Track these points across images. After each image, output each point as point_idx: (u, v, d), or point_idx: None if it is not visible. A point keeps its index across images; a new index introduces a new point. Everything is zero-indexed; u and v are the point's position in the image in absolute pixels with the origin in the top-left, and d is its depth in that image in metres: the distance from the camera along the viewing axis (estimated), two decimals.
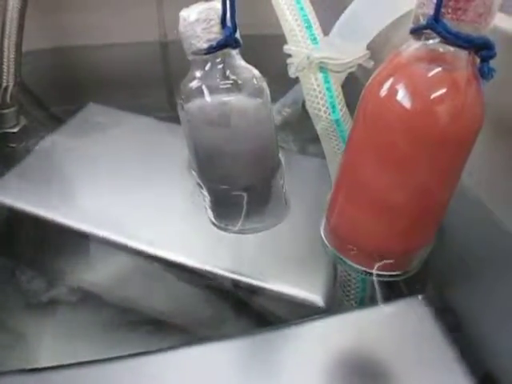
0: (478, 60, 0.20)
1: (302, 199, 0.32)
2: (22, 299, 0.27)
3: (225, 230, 0.30)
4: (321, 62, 0.32)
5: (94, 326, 0.25)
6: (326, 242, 0.27)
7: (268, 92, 0.27)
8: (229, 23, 0.24)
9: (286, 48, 0.33)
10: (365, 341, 0.24)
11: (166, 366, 0.23)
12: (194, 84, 0.26)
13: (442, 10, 0.19)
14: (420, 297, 0.26)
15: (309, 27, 0.33)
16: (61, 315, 0.26)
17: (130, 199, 0.34)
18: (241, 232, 0.30)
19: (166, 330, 0.25)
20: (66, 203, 0.34)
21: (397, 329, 0.25)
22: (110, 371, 0.22)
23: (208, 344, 0.24)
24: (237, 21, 0.24)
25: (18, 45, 0.40)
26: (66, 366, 0.22)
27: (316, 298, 0.27)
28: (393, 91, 0.20)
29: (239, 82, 0.26)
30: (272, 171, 0.29)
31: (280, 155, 0.30)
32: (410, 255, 0.25)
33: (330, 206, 0.26)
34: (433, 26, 0.19)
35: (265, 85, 0.27)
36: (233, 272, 0.28)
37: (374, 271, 0.25)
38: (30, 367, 0.22)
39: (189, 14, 0.24)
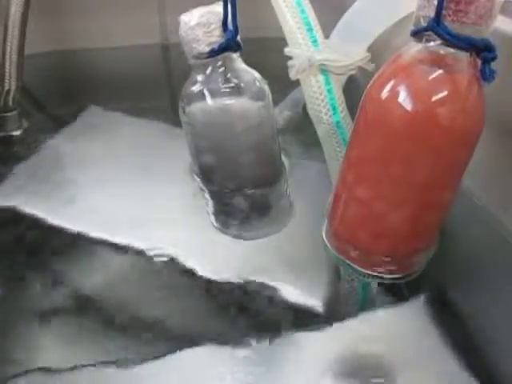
0: (479, 62, 0.20)
1: (303, 202, 0.32)
2: (22, 302, 0.27)
3: (227, 234, 0.30)
4: (322, 64, 0.32)
5: (94, 328, 0.25)
6: (327, 244, 0.27)
7: (270, 95, 0.27)
8: (230, 26, 0.24)
9: (287, 50, 0.33)
10: (366, 345, 0.24)
11: (163, 371, 0.23)
12: (196, 88, 0.26)
13: (443, 12, 0.19)
14: (422, 300, 0.26)
15: (310, 30, 0.33)
16: (59, 318, 0.26)
17: (132, 202, 0.34)
18: (243, 237, 0.30)
19: (163, 333, 0.25)
20: (67, 205, 0.34)
21: (398, 333, 0.25)
22: (108, 375, 0.23)
23: (206, 348, 0.24)
24: (238, 24, 0.25)
25: (20, 48, 0.40)
26: (63, 369, 0.23)
27: (316, 302, 0.27)
28: (394, 93, 0.20)
29: (241, 85, 0.26)
30: (275, 175, 0.29)
31: (283, 158, 0.30)
32: (412, 257, 0.25)
33: (331, 208, 0.26)
34: (434, 28, 0.19)
35: (266, 88, 0.27)
36: (233, 275, 0.28)
37: (376, 274, 0.25)
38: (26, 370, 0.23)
39: (190, 18, 0.24)
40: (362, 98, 0.23)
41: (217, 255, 0.30)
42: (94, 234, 0.31)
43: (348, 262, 0.25)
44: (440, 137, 0.20)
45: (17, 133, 0.42)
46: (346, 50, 0.32)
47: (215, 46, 0.24)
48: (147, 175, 0.37)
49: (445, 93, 0.20)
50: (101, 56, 0.58)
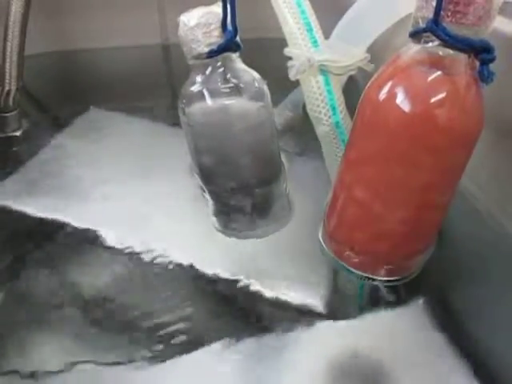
0: (477, 63, 0.20)
1: (302, 202, 0.32)
2: (23, 301, 0.27)
3: (227, 234, 0.30)
4: (321, 65, 0.32)
5: (94, 329, 0.25)
6: (324, 246, 0.27)
7: (269, 95, 0.27)
8: (229, 27, 0.24)
9: (287, 51, 0.33)
10: (365, 346, 0.24)
11: (164, 372, 0.23)
12: (195, 88, 0.26)
13: (442, 13, 0.19)
14: (421, 300, 0.26)
15: (309, 30, 0.33)
16: (61, 318, 0.26)
17: (132, 203, 0.34)
18: (243, 237, 0.30)
19: (163, 333, 0.25)
20: (67, 206, 0.34)
21: (397, 334, 0.25)
22: (110, 376, 0.23)
23: (205, 348, 0.24)
24: (237, 24, 0.25)
25: (21, 48, 0.40)
26: (63, 370, 0.23)
27: (316, 303, 0.27)
28: (392, 94, 0.20)
29: (240, 85, 0.26)
30: (274, 175, 0.29)
31: (283, 158, 0.30)
32: (410, 259, 0.25)
33: (329, 209, 0.26)
34: (432, 29, 0.19)
35: (265, 88, 0.27)
36: (232, 275, 0.28)
37: (374, 276, 0.25)
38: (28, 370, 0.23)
39: (189, 19, 0.24)
40: (361, 98, 0.23)
41: (217, 255, 0.30)
42: (94, 233, 0.31)
43: (345, 263, 0.25)
44: (438, 138, 0.20)
45: (17, 133, 0.42)
46: (346, 50, 0.32)
47: (214, 47, 0.24)
48: (147, 175, 0.37)
49: (443, 94, 0.20)
50: (101, 56, 0.58)
